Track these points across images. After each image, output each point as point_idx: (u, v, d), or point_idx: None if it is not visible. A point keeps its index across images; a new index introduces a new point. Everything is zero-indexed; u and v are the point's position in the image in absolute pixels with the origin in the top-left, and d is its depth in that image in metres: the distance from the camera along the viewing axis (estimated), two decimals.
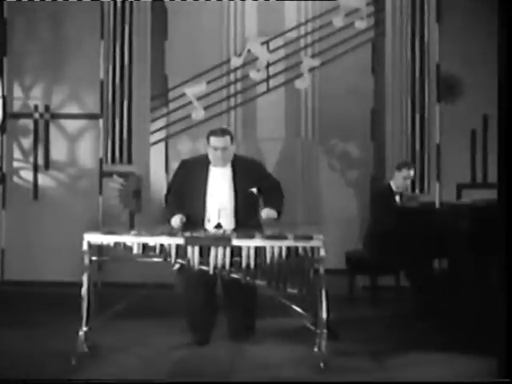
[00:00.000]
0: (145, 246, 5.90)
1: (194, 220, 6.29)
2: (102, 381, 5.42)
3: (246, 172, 6.39)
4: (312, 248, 5.79)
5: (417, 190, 9.03)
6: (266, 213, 6.28)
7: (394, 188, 8.13)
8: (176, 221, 6.29)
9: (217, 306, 6.51)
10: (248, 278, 5.85)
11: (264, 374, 5.62)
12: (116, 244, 5.94)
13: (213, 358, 6.05)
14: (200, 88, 9.40)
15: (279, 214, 6.35)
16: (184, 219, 6.28)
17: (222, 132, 6.35)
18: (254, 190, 6.37)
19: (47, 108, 9.48)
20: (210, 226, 6.29)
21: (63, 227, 9.11)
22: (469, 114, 9.10)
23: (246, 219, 6.30)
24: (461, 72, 9.11)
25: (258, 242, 5.80)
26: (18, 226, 9.36)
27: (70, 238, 8.22)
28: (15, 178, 9.49)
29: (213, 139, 6.31)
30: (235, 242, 5.80)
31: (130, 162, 9.33)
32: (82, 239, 5.93)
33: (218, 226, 6.28)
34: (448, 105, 9.20)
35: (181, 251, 5.85)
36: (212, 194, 6.34)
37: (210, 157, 6.37)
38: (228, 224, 6.29)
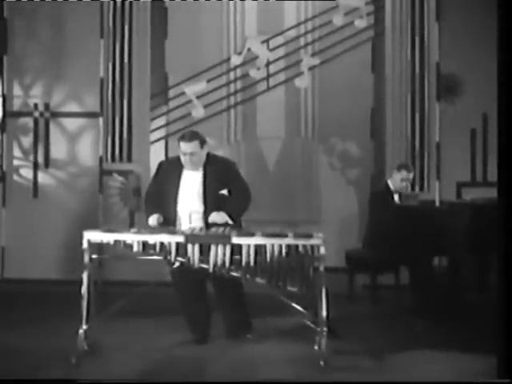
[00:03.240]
0: (145, 244, 5.90)
1: (167, 223, 6.30)
2: (102, 380, 5.42)
3: (216, 174, 6.35)
4: (312, 246, 5.79)
5: (417, 189, 9.04)
6: (213, 217, 6.24)
7: (391, 187, 8.13)
8: (153, 220, 6.30)
9: (209, 304, 6.51)
10: (248, 276, 5.85)
11: (264, 373, 5.62)
12: (116, 242, 5.95)
13: (213, 356, 6.05)
14: (200, 86, 9.40)
15: (233, 218, 6.28)
16: (161, 219, 6.30)
17: (190, 137, 6.30)
18: (225, 191, 6.36)
19: (47, 106, 9.48)
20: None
21: (63, 225, 9.11)
22: (468, 112, 9.11)
23: (216, 223, 6.23)
24: (460, 71, 9.11)
25: (258, 239, 5.80)
26: (18, 224, 9.35)
27: (69, 236, 8.26)
28: (15, 177, 9.49)
29: (181, 144, 6.30)
30: (235, 240, 5.80)
31: (129, 160, 9.33)
32: (81, 237, 5.93)
33: None
34: (448, 103, 9.20)
35: (181, 249, 5.86)
36: (182, 198, 6.33)
37: (182, 160, 6.38)
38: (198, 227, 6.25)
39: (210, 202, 6.30)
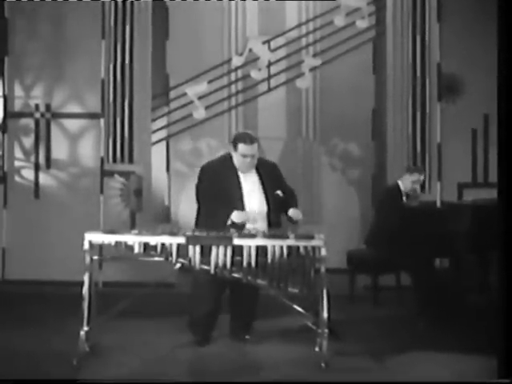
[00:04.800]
0: (146, 246, 5.90)
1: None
2: (102, 381, 5.42)
3: (269, 176, 6.42)
4: (313, 247, 5.80)
5: (418, 190, 9.03)
6: (297, 213, 6.30)
7: (402, 188, 8.15)
8: (241, 217, 6.17)
9: (221, 309, 6.50)
10: (249, 278, 5.85)
11: (265, 374, 5.62)
12: (117, 243, 5.94)
13: (214, 357, 6.06)
14: (201, 87, 9.40)
15: None
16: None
17: (251, 139, 6.31)
18: (279, 192, 6.38)
19: (48, 107, 9.47)
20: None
21: (64, 226, 9.10)
22: (469, 113, 9.10)
23: (275, 221, 6.34)
24: (461, 71, 9.11)
25: (259, 241, 5.80)
26: (20, 225, 9.34)
27: (71, 237, 8.23)
28: (16, 177, 9.48)
29: (242, 147, 6.28)
30: (236, 242, 5.80)
31: (131, 161, 9.32)
32: (83, 238, 5.93)
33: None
34: (449, 104, 9.20)
35: (182, 250, 5.85)
36: (248, 200, 6.32)
37: (237, 163, 6.34)
38: (263, 227, 6.26)
39: (272, 201, 6.35)
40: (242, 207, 6.28)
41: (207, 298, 6.38)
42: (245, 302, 6.48)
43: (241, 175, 6.38)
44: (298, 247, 5.81)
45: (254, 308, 6.55)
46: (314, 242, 5.81)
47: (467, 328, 6.81)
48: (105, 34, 9.32)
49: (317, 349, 5.84)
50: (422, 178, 8.26)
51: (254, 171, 6.40)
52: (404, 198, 8.17)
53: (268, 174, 6.43)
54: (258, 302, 6.52)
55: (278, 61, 9.44)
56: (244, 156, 6.30)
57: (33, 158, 9.50)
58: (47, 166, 9.48)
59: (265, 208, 6.35)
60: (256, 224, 6.23)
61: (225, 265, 5.83)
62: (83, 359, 5.77)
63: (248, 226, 6.21)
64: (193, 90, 9.41)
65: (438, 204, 8.99)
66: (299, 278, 5.81)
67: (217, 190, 6.31)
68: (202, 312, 6.41)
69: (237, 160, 6.35)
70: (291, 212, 6.31)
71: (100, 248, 6.11)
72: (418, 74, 9.20)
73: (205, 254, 5.84)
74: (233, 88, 9.49)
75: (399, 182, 8.22)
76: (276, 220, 6.38)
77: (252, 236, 5.86)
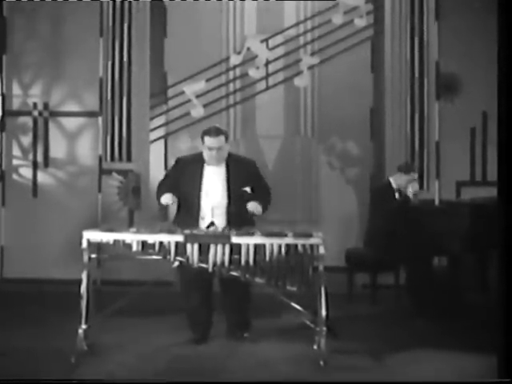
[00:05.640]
0: (144, 244, 5.90)
1: (188, 218, 6.31)
2: (101, 380, 5.41)
3: (239, 171, 6.40)
4: (311, 245, 5.79)
5: (417, 188, 9.03)
6: (254, 206, 6.28)
7: (394, 186, 8.14)
8: (167, 197, 6.30)
9: (213, 304, 6.50)
10: (247, 276, 5.85)
11: (263, 372, 5.61)
12: (115, 241, 5.94)
13: (212, 356, 6.05)
14: (199, 86, 9.40)
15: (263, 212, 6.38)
16: (175, 198, 6.32)
17: (217, 132, 6.34)
18: (248, 189, 6.37)
19: (46, 106, 9.47)
20: (203, 224, 6.30)
21: (62, 225, 9.09)
22: (468, 111, 9.09)
23: (238, 218, 6.30)
24: (460, 70, 9.10)
25: (257, 239, 5.80)
26: (18, 224, 9.34)
27: (69, 235, 8.25)
28: (15, 176, 9.48)
29: (207, 139, 6.32)
30: (235, 240, 5.80)
31: (129, 159, 9.33)
32: (81, 237, 5.93)
33: (211, 224, 6.28)
34: (447, 103, 9.19)
35: (180, 249, 5.85)
36: (206, 193, 6.35)
37: (205, 156, 6.38)
38: (221, 222, 6.29)
39: (234, 196, 6.34)
40: (197, 199, 6.32)
41: (193, 296, 6.41)
42: (236, 300, 6.48)
43: (206, 169, 6.39)
44: (296, 245, 5.80)
45: (247, 305, 6.54)
46: (312, 240, 5.80)
47: (467, 327, 6.81)
48: (103, 32, 9.33)
49: (315, 347, 5.84)
50: (416, 175, 8.26)
51: (222, 165, 6.40)
52: (396, 195, 8.15)
53: (239, 170, 6.40)
54: (249, 298, 6.51)
55: (276, 59, 9.43)
56: (209, 149, 6.32)
57: (31, 157, 9.50)
58: (45, 165, 9.48)
59: (224, 202, 6.35)
60: (214, 218, 6.28)
61: (223, 263, 5.83)
62: (81, 357, 5.77)
63: (205, 220, 6.28)
64: (191, 89, 9.41)
65: (437, 202, 8.98)
66: (297, 276, 5.80)
67: (175, 181, 6.41)
68: (191, 309, 6.45)
69: (204, 153, 6.38)
70: (249, 205, 6.29)
71: (98, 246, 6.10)
72: (417, 72, 9.20)
73: (203, 252, 5.85)
74: (231, 86, 9.48)
75: (391, 179, 8.21)
76: (235, 215, 6.32)
77: (250, 234, 5.86)
